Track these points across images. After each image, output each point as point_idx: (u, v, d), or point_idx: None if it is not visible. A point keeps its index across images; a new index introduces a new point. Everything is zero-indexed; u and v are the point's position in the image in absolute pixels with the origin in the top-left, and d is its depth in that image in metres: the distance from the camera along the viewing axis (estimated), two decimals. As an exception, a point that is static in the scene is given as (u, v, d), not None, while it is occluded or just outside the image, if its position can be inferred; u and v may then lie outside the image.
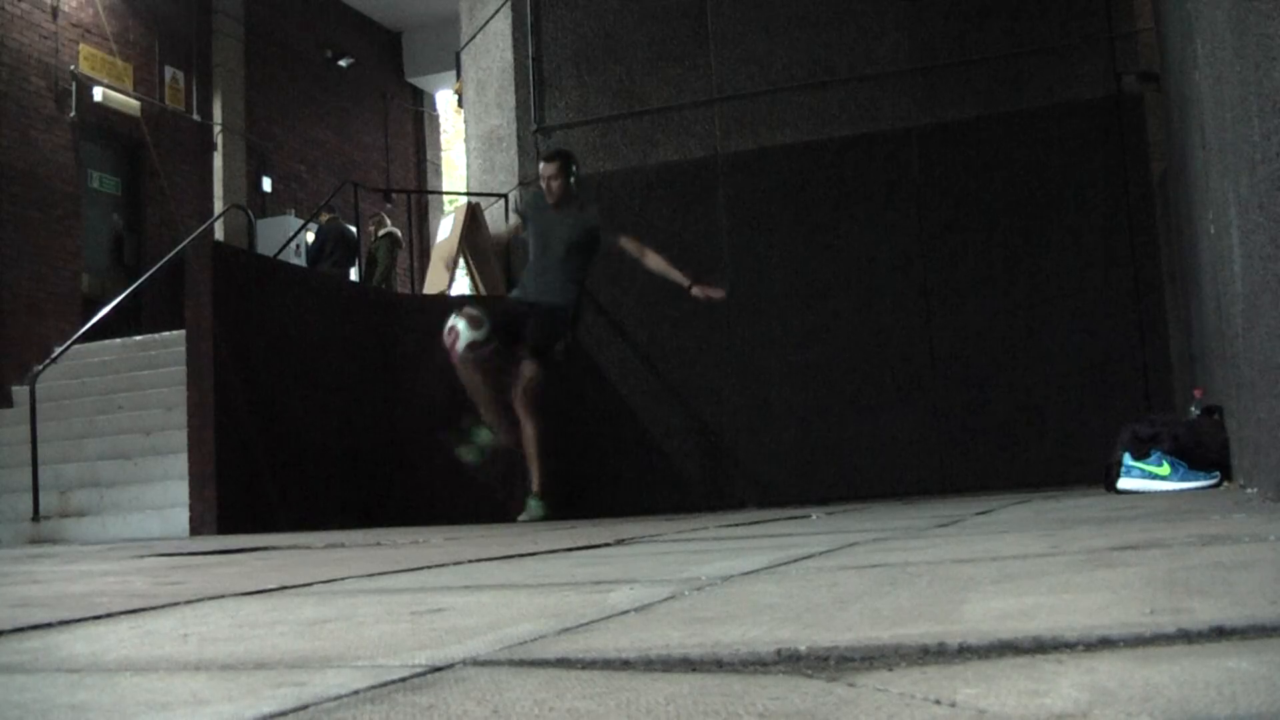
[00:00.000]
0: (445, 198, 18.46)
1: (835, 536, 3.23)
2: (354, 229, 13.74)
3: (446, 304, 9.73)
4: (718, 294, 7.08)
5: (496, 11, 10.20)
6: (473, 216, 10.19)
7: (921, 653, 1.13)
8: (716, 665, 1.16)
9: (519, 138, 9.83)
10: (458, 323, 6.61)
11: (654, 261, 7.17)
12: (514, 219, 7.62)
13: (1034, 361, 8.48)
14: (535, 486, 6.87)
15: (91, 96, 12.47)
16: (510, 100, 9.93)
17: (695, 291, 7.01)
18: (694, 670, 1.15)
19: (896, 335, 8.77)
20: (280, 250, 10.32)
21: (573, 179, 7.17)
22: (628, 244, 7.23)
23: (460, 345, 6.57)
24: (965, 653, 1.12)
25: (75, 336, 9.90)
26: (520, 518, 6.87)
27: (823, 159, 9.06)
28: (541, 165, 7.29)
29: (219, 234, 13.27)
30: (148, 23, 13.59)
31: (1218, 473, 4.69)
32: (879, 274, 8.86)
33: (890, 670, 1.08)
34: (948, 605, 1.45)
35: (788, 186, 9.12)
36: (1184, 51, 4.71)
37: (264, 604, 2.07)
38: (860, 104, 9.04)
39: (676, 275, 7.09)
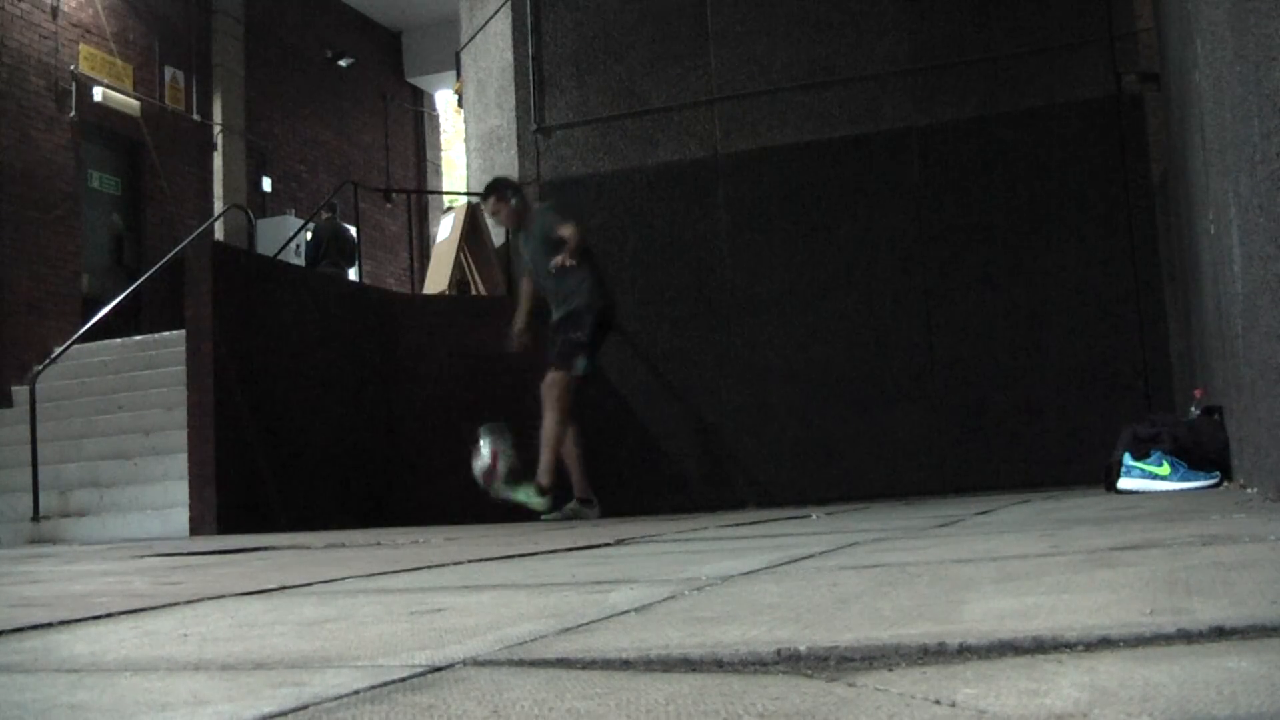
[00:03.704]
0: (445, 197, 18.46)
1: (835, 536, 3.23)
2: (352, 229, 13.73)
3: (446, 304, 9.77)
4: (511, 348, 7.42)
5: (496, 11, 10.19)
6: (473, 217, 10.18)
7: (921, 653, 1.12)
8: (716, 665, 1.16)
9: (519, 138, 9.82)
10: (484, 455, 6.86)
11: (525, 286, 7.51)
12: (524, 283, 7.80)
13: (1034, 361, 8.47)
14: (539, 477, 6.94)
15: (91, 96, 12.46)
16: (510, 100, 9.93)
17: (515, 340, 7.37)
18: (694, 670, 1.15)
19: (896, 335, 8.76)
20: (280, 250, 10.32)
21: (514, 200, 7.38)
22: (565, 233, 7.11)
23: (497, 469, 6.83)
24: (965, 653, 1.12)
25: (75, 336, 9.90)
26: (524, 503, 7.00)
27: (823, 159, 9.05)
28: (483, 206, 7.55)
29: (219, 234, 13.27)
30: (148, 23, 13.58)
31: (1218, 473, 4.69)
32: (879, 274, 8.86)
33: (890, 670, 1.08)
34: (948, 605, 1.45)
35: (788, 186, 9.11)
36: (1184, 51, 4.71)
37: (264, 604, 2.07)
38: (860, 104, 9.04)
39: (522, 310, 7.43)
